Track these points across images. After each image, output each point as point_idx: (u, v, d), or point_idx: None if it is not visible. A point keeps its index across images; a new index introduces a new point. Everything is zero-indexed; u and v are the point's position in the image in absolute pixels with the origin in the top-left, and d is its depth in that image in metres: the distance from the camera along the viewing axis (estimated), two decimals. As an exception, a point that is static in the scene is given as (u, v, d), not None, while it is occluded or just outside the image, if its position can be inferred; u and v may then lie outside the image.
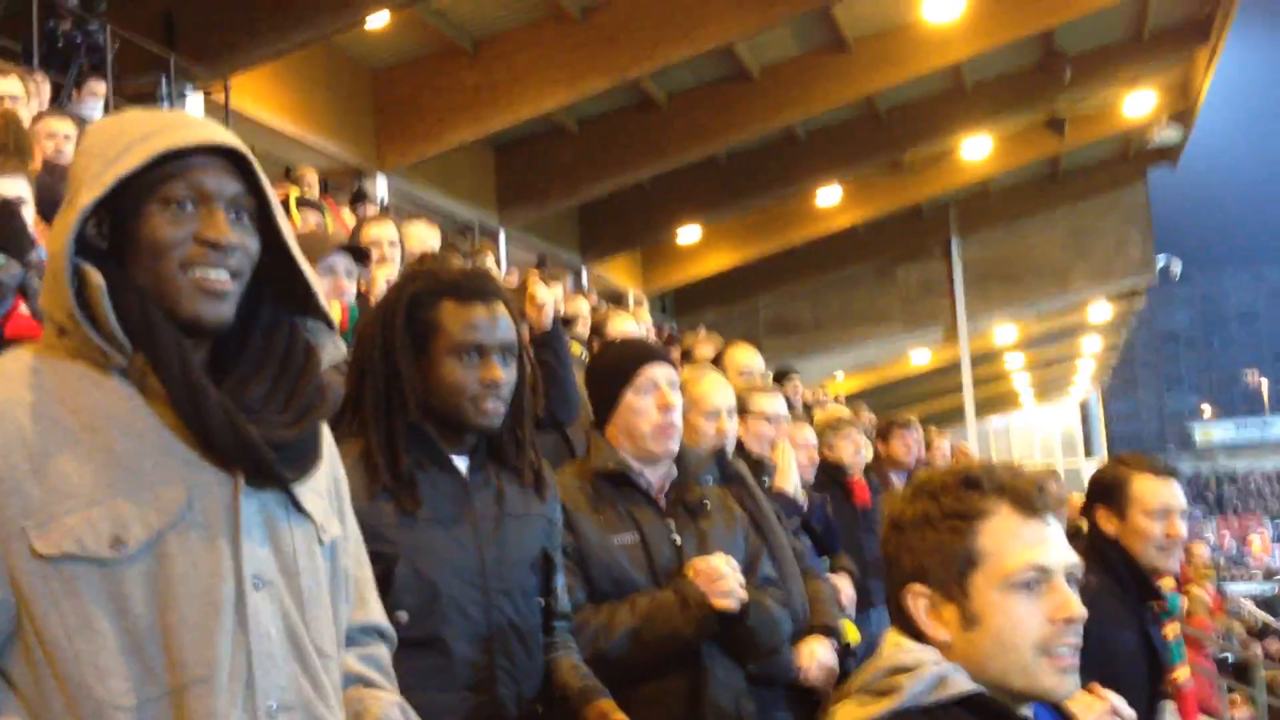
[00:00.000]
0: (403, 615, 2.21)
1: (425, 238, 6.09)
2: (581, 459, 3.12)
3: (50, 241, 1.58)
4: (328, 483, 1.76)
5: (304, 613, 1.63)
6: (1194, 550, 15.66)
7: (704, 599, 2.83)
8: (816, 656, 3.54)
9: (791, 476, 4.38)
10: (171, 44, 11.35)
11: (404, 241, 5.62)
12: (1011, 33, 16.26)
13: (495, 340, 2.37)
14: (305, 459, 1.67)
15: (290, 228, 1.71)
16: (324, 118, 14.15)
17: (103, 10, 9.85)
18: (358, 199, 10.99)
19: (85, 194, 1.55)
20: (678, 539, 2.98)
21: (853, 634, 4.14)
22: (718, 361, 5.46)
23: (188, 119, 1.67)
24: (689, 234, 21.40)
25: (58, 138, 6.04)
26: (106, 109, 8.64)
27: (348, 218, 7.53)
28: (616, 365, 3.10)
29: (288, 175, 9.89)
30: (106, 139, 1.60)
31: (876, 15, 16.05)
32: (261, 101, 13.03)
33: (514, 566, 2.38)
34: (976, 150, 20.89)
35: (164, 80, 11.14)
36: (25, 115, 6.00)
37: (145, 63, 10.93)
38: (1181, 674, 3.27)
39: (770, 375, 7.78)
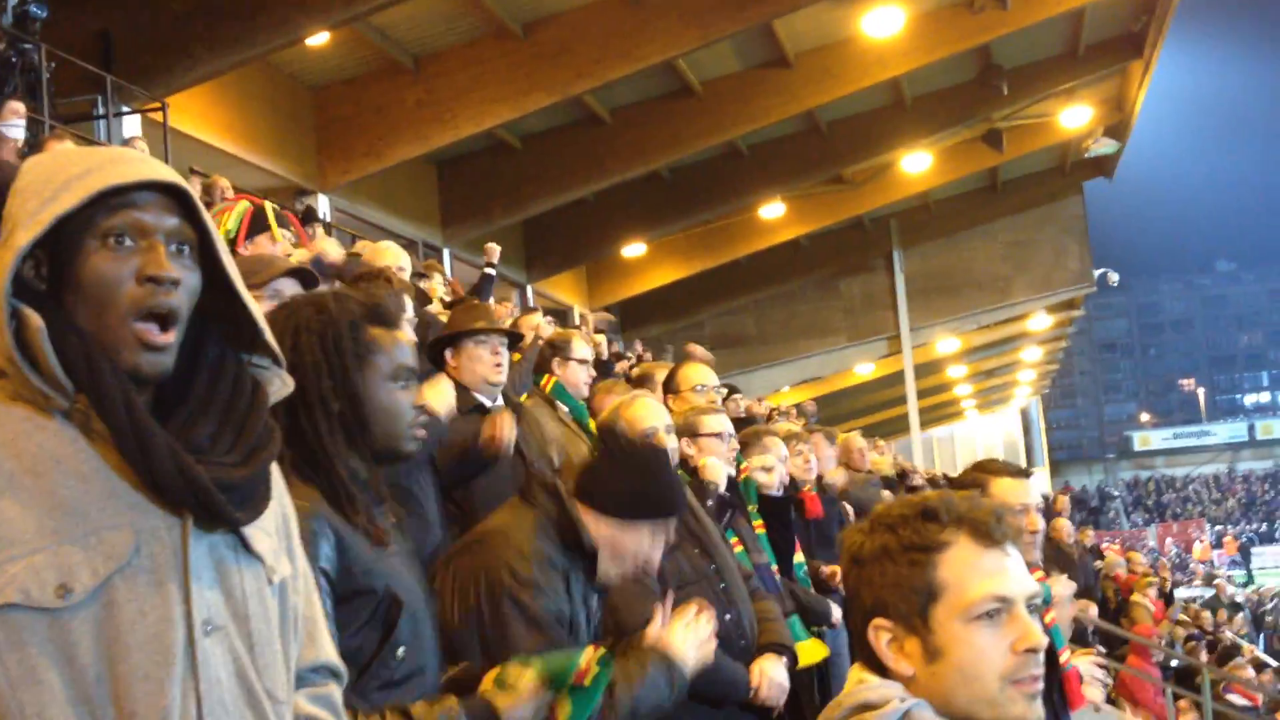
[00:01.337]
0: (402, 651, 2.18)
1: (399, 258, 6.03)
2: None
3: None
4: (276, 521, 1.72)
5: (255, 657, 1.60)
6: (1133, 557, 15.88)
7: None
8: (768, 674, 3.62)
9: (722, 471, 4.39)
10: (108, 64, 11.18)
11: (375, 261, 5.59)
12: (950, 47, 16.47)
13: (416, 365, 2.35)
14: (255, 499, 1.62)
15: (233, 262, 1.67)
16: (264, 136, 14.01)
17: (38, 30, 9.69)
18: (308, 219, 10.87)
19: (22, 233, 1.51)
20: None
21: (820, 651, 4.15)
22: (671, 379, 5.47)
23: (125, 154, 1.63)
24: (633, 249, 21.41)
25: None
26: (40, 129, 8.51)
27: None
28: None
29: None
30: (43, 177, 1.56)
31: (817, 31, 16.17)
32: (201, 120, 12.89)
33: (431, 596, 2.38)
34: (917, 164, 21.10)
35: (101, 100, 10.98)
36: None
37: (82, 83, 10.78)
38: (1064, 656, 3.47)
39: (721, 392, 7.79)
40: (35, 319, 1.50)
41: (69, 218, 1.52)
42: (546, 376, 5.25)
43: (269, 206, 4.98)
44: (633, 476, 2.90)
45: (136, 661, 1.48)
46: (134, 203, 1.55)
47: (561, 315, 19.79)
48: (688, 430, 4.44)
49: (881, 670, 1.72)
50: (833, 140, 19.28)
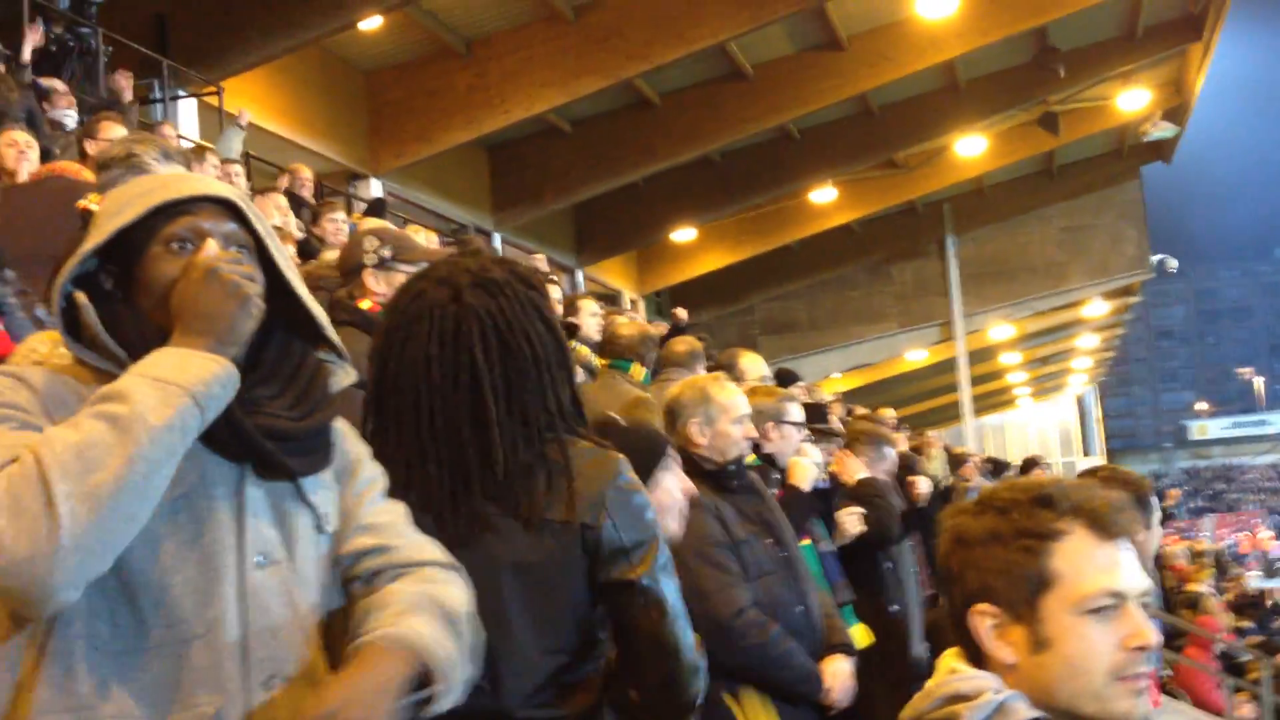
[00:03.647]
0: None
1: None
2: None
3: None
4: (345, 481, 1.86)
5: (303, 593, 1.73)
6: (1196, 547, 15.66)
7: None
8: (840, 676, 3.63)
9: (810, 473, 4.38)
10: (164, 48, 11.29)
11: None
12: (1005, 29, 16.25)
13: None
14: (315, 454, 1.78)
15: (290, 265, 1.82)
16: (317, 120, 14.10)
17: (94, 14, 9.78)
18: (349, 204, 10.97)
19: (88, 242, 1.71)
20: None
21: (867, 638, 4.14)
22: (732, 368, 5.50)
23: (186, 175, 1.89)
24: (684, 234, 21.36)
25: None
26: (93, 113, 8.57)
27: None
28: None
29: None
30: (115, 198, 1.77)
31: (870, 13, 16.03)
32: (255, 104, 12.94)
33: None
34: (971, 147, 20.88)
35: (157, 84, 11.08)
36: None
37: (138, 66, 10.87)
38: None
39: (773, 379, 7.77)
40: (81, 296, 1.69)
41: (137, 230, 1.71)
42: (638, 365, 5.28)
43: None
44: None
45: (189, 576, 1.63)
46: (192, 211, 1.73)
47: (611, 299, 19.76)
48: (775, 415, 4.43)
49: (977, 655, 1.68)
50: (885, 124, 19.11)
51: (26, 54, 8.55)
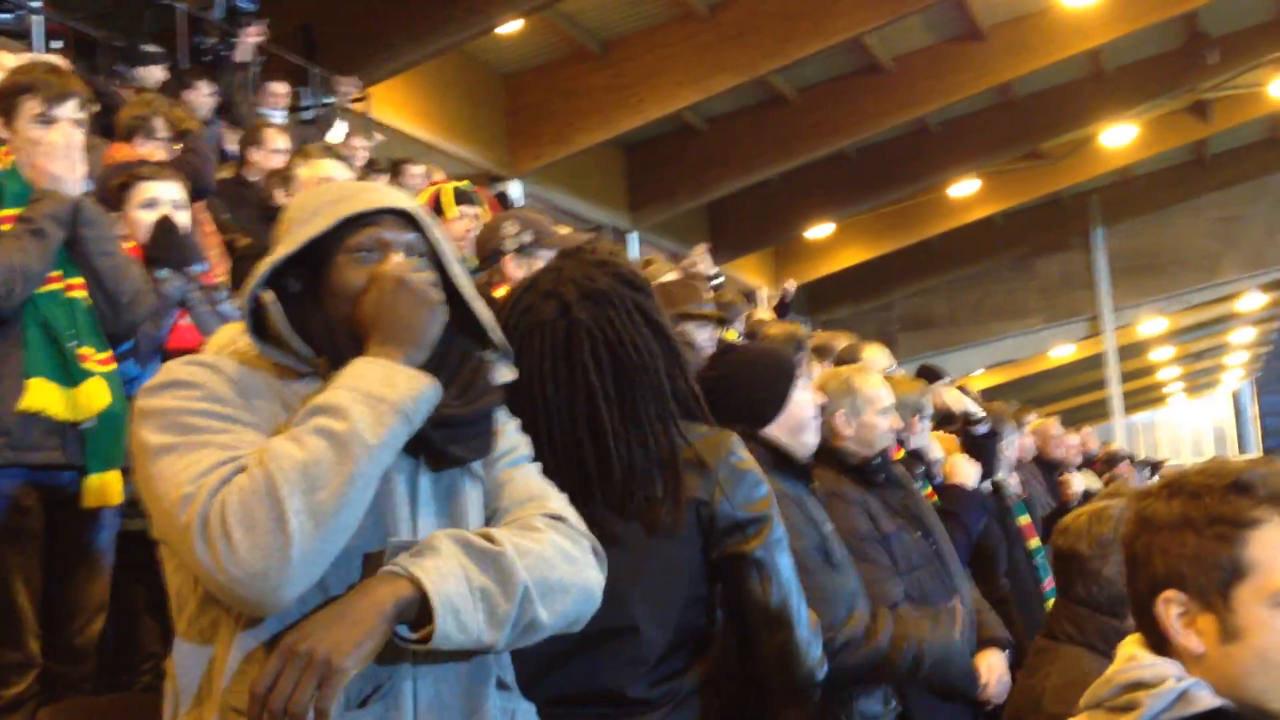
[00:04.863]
0: None
1: None
2: None
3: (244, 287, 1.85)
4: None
5: None
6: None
7: None
8: (996, 670, 3.56)
9: (973, 471, 4.31)
10: (311, 56, 11.62)
11: None
12: (1153, 15, 15.74)
13: None
14: (480, 439, 1.88)
15: (464, 271, 1.95)
16: (458, 123, 14.36)
17: (247, 24, 10.10)
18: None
19: (280, 249, 1.84)
20: None
21: None
22: (854, 359, 5.45)
23: (368, 186, 1.97)
24: (820, 230, 21.20)
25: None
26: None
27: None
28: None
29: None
30: (301, 205, 1.91)
31: (1012, 1, 15.70)
32: (397, 109, 13.28)
33: None
34: (1118, 137, 20.28)
35: (306, 92, 11.39)
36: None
37: (287, 75, 11.19)
38: None
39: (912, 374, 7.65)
40: (267, 295, 1.82)
41: (323, 239, 1.83)
42: None
43: (445, 189, 5.22)
44: None
45: (357, 565, 1.73)
46: (375, 222, 1.86)
47: (748, 296, 19.70)
48: (917, 407, 4.38)
49: (1159, 642, 1.65)
50: (1028, 115, 18.66)
51: (248, 53, 8.81)
